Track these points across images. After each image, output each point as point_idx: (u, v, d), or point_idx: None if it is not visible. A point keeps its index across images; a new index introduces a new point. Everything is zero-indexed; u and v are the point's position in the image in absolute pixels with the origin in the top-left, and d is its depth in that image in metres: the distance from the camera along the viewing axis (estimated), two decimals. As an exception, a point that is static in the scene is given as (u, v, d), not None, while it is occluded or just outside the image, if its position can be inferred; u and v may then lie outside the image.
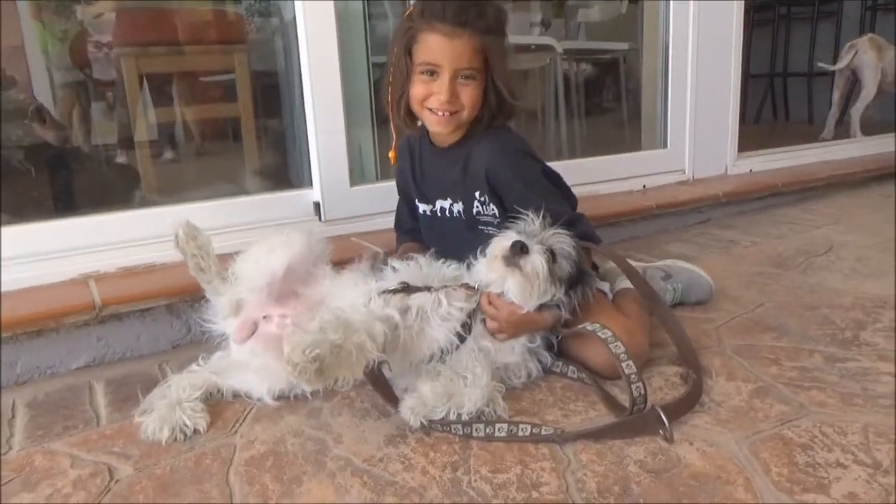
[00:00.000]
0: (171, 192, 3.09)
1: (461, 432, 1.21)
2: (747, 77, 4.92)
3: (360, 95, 2.17)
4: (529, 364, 1.39)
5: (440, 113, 1.49)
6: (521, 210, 1.40)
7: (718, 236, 2.53)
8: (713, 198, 2.70)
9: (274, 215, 2.02)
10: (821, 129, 4.30)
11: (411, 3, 1.55)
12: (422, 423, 1.22)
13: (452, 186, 1.60)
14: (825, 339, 1.58)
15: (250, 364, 1.39)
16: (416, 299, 1.32)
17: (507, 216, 1.44)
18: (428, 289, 1.34)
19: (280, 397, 1.36)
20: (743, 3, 2.92)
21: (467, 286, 1.37)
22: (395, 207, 1.86)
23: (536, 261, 1.29)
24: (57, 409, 1.40)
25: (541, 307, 1.35)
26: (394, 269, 1.40)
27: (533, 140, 1.61)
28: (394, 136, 1.68)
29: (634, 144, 3.06)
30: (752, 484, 1.04)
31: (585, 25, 4.23)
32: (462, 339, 1.33)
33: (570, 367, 1.42)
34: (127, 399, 1.41)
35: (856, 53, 4.15)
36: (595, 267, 1.62)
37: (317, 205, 2.08)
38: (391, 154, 1.71)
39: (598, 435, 1.19)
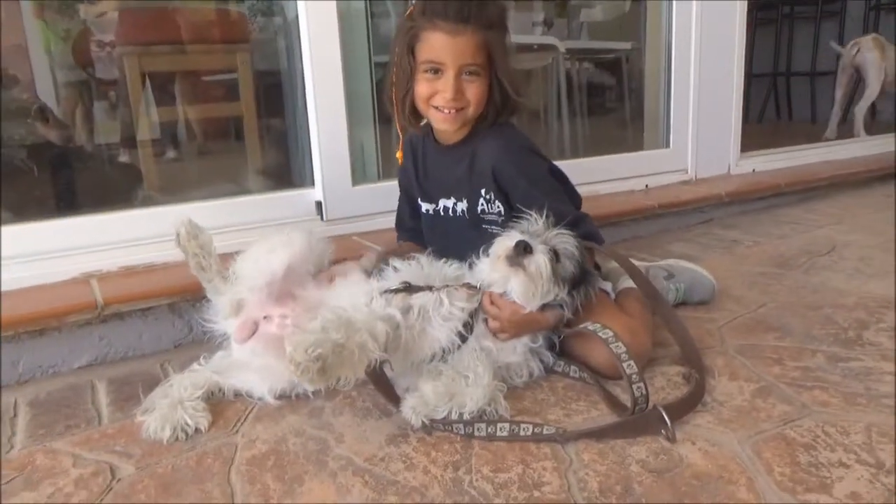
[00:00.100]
0: (173, 191, 3.09)
1: (463, 432, 1.21)
2: (750, 76, 4.92)
3: (362, 95, 2.17)
4: (531, 364, 1.39)
5: (446, 110, 1.49)
6: (526, 208, 1.40)
7: (721, 236, 2.53)
8: (716, 197, 2.69)
9: (276, 215, 2.02)
10: (824, 129, 4.30)
11: (412, 1, 1.55)
12: (423, 422, 1.22)
13: (457, 184, 1.60)
14: (828, 338, 1.58)
15: (251, 363, 1.39)
16: (417, 299, 1.32)
17: (512, 214, 1.44)
18: (430, 288, 1.33)
19: (281, 397, 1.36)
20: (746, 2, 2.92)
21: (469, 286, 1.37)
22: (396, 207, 1.86)
23: (540, 261, 1.29)
24: (59, 408, 1.40)
25: (543, 307, 1.34)
26: (395, 268, 1.40)
27: (536, 139, 1.61)
28: (399, 135, 1.67)
29: (637, 144, 3.06)
30: (754, 484, 1.04)
31: (588, 25, 4.23)
32: (464, 339, 1.33)
33: (572, 367, 1.42)
34: (129, 398, 1.41)
35: (858, 51, 4.15)
36: (597, 266, 1.62)
37: (319, 204, 2.08)
38: (398, 154, 1.71)
39: (600, 434, 1.18)
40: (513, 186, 1.51)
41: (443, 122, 1.53)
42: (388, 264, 1.42)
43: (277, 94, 2.62)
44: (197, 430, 1.26)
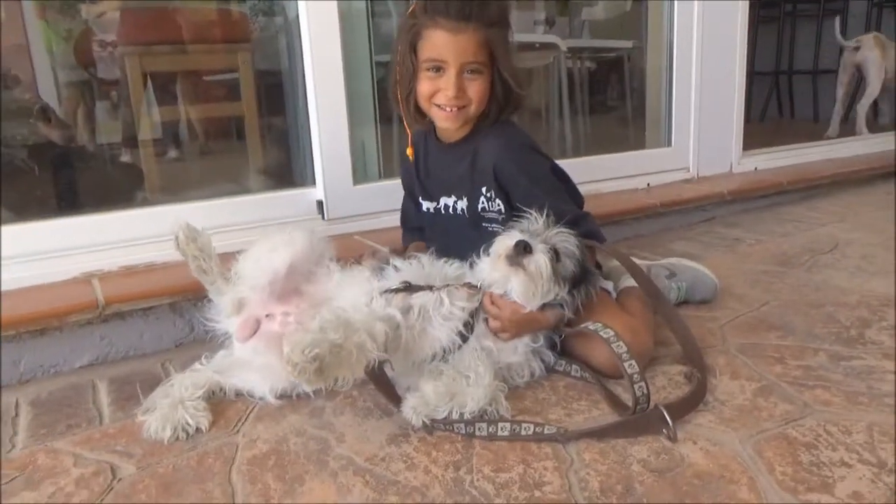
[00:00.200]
0: (174, 190, 3.09)
1: (464, 431, 1.21)
2: (752, 75, 4.91)
3: (363, 94, 2.16)
4: (532, 363, 1.38)
5: (448, 109, 1.49)
6: (527, 206, 1.40)
7: (723, 234, 2.52)
8: (718, 196, 2.69)
9: (277, 214, 2.02)
10: (826, 127, 4.29)
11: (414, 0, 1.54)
12: (424, 422, 1.22)
13: (459, 182, 1.60)
14: (830, 337, 1.57)
15: (253, 363, 1.39)
16: (418, 298, 1.32)
17: (513, 213, 1.44)
18: (430, 288, 1.33)
19: (282, 396, 1.36)
20: (748, 0, 2.91)
21: (470, 285, 1.37)
22: (398, 206, 1.86)
23: (540, 260, 1.29)
24: (60, 408, 1.40)
25: (544, 306, 1.34)
26: (396, 268, 1.40)
27: (537, 138, 1.61)
28: (407, 132, 1.67)
29: (639, 142, 3.05)
30: (755, 483, 1.04)
31: (589, 23, 4.23)
32: (464, 339, 1.32)
33: (573, 367, 1.42)
34: (130, 398, 1.42)
35: (860, 49, 4.15)
36: (599, 265, 1.61)
37: (320, 203, 2.08)
38: (409, 150, 1.70)
39: (601, 434, 1.18)
40: (514, 185, 1.51)
41: (445, 120, 1.53)
42: (388, 264, 1.42)
43: (278, 94, 2.62)
44: (198, 430, 1.26)
